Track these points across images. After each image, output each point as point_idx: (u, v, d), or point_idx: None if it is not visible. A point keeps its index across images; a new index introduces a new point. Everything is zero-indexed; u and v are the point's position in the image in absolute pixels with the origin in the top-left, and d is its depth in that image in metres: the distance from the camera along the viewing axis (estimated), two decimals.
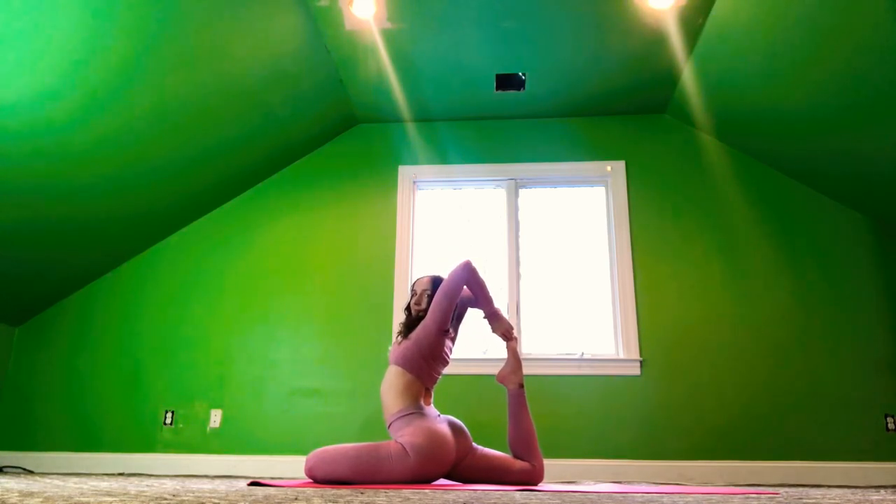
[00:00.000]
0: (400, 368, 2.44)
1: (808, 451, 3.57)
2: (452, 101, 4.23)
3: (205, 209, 4.33)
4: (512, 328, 2.57)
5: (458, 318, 2.62)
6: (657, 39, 3.60)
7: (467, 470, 2.42)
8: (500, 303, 4.08)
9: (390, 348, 2.54)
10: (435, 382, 2.51)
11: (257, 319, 4.07)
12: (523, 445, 2.48)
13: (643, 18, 3.43)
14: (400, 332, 2.56)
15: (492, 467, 2.45)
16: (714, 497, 1.79)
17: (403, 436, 2.31)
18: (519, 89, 4.07)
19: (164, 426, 3.91)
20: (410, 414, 2.36)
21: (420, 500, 1.50)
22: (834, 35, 2.96)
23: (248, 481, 2.44)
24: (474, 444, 2.48)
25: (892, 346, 3.72)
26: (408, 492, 1.87)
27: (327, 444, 3.74)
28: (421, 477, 2.26)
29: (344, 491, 1.90)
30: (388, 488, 2.09)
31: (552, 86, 4.05)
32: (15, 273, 3.79)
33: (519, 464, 2.48)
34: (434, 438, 2.29)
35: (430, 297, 2.55)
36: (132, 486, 2.06)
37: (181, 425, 3.91)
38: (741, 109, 3.86)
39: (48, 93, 2.97)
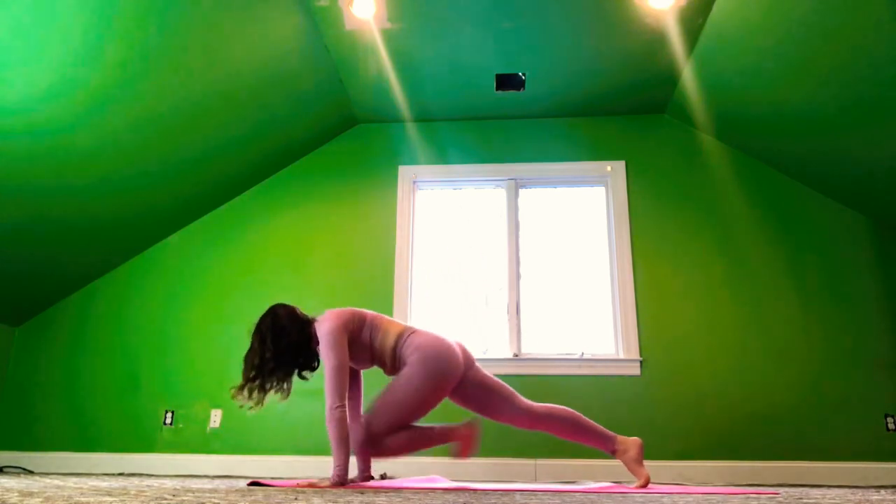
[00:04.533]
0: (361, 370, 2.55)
1: (808, 451, 3.57)
2: (452, 101, 4.23)
3: (205, 209, 4.33)
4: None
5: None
6: (657, 39, 3.60)
7: (475, 384, 2.52)
8: (500, 302, 4.09)
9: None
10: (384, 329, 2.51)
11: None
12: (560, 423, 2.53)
13: (643, 18, 3.43)
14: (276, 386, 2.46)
15: (497, 390, 2.55)
16: (714, 497, 1.79)
17: (409, 357, 2.41)
18: (519, 89, 4.07)
19: (164, 426, 3.91)
20: (405, 337, 2.45)
21: (420, 500, 1.50)
22: (834, 35, 2.96)
23: (248, 481, 2.44)
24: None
25: (892, 346, 3.72)
26: (408, 492, 1.87)
27: (328, 443, 3.74)
28: (443, 379, 2.39)
29: (345, 491, 1.90)
30: (388, 487, 2.09)
31: (552, 86, 4.05)
32: (15, 273, 3.79)
33: (525, 403, 2.53)
34: (436, 342, 2.42)
35: (252, 348, 2.48)
36: (132, 486, 2.06)
37: (181, 425, 3.91)
38: (741, 109, 3.86)
39: (48, 93, 2.97)
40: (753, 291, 3.90)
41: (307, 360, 2.51)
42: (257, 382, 2.40)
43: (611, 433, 2.53)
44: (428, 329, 2.54)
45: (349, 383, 2.48)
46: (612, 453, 2.51)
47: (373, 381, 2.76)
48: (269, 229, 4.29)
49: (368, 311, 2.53)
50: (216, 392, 3.95)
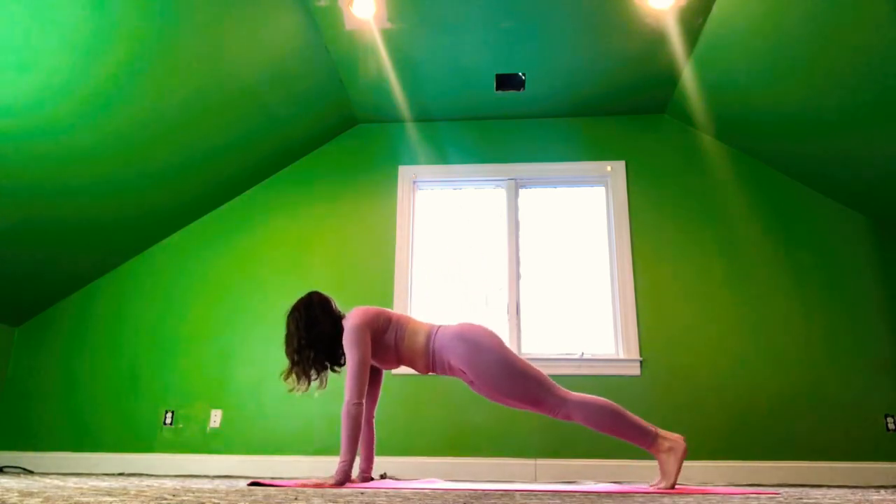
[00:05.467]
0: (381, 364, 2.50)
1: (808, 451, 3.57)
2: (452, 101, 4.23)
3: (205, 209, 4.33)
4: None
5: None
6: (657, 39, 3.60)
7: None
8: (500, 302, 4.09)
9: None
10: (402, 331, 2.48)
11: (257, 319, 4.07)
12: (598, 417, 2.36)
13: (643, 18, 3.43)
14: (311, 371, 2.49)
15: None
16: (714, 497, 1.79)
17: (449, 349, 2.37)
18: (519, 89, 4.07)
19: (164, 426, 3.91)
20: (435, 334, 2.42)
21: (420, 500, 1.50)
22: (834, 36, 2.96)
23: (248, 481, 2.44)
24: None
25: (892, 347, 3.72)
26: (408, 492, 1.87)
27: (328, 444, 3.75)
28: (491, 339, 2.35)
29: (344, 491, 1.90)
30: (388, 488, 2.10)
31: (552, 86, 4.05)
32: (15, 273, 3.79)
33: (563, 391, 2.37)
34: (463, 325, 2.41)
35: (289, 331, 2.51)
36: (132, 486, 2.06)
37: (181, 425, 3.91)
38: (741, 110, 3.86)
39: (49, 94, 2.97)
40: (753, 291, 3.90)
41: (334, 354, 2.51)
42: (301, 367, 2.45)
43: (647, 425, 2.35)
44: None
45: (370, 382, 2.50)
46: (649, 448, 2.34)
47: (387, 384, 2.75)
48: (269, 229, 4.29)
49: (394, 312, 2.53)
50: (216, 392, 3.95)
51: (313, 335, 2.47)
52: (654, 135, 4.30)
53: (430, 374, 2.55)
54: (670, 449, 2.28)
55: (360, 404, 2.30)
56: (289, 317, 2.54)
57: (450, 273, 4.26)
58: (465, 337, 2.37)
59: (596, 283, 4.13)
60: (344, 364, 2.51)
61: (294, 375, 2.45)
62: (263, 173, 4.37)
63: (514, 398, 2.37)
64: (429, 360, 2.44)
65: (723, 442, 3.62)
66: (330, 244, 4.23)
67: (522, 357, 2.44)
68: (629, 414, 2.33)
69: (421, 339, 2.44)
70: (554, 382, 2.36)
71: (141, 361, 4.05)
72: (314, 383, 2.49)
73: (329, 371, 2.54)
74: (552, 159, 4.31)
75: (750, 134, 4.00)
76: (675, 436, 2.32)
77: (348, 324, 2.41)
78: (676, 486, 2.34)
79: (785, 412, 3.65)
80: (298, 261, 4.19)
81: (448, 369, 2.45)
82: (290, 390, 2.46)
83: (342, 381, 2.41)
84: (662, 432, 2.31)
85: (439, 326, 2.47)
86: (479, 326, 2.42)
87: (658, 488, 2.24)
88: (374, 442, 2.59)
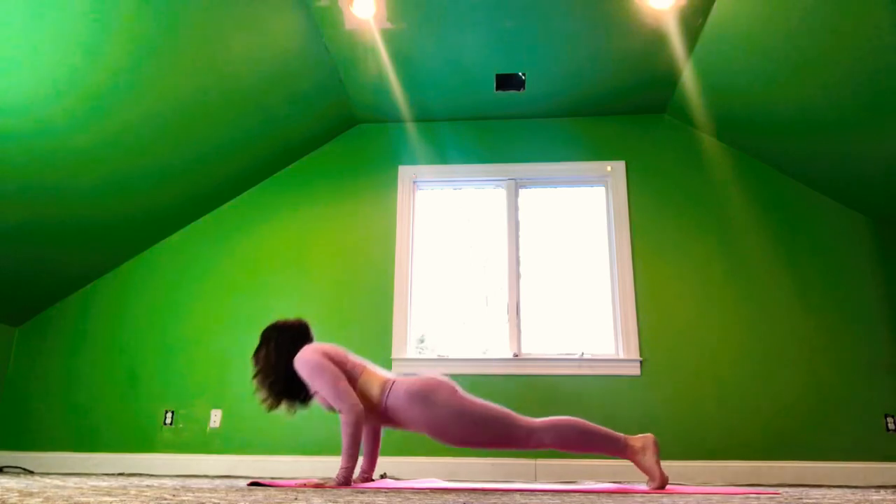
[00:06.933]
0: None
1: (808, 451, 3.57)
2: (452, 101, 4.23)
3: (205, 209, 4.33)
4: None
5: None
6: (657, 39, 3.60)
7: None
8: (500, 302, 4.09)
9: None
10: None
11: (257, 319, 4.06)
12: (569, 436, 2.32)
13: (643, 18, 3.43)
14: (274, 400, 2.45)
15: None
16: (714, 497, 1.79)
17: (404, 407, 2.31)
18: (519, 89, 4.07)
19: (164, 426, 3.91)
20: (389, 387, 2.35)
21: (420, 500, 1.50)
22: (834, 36, 2.96)
23: (248, 481, 2.44)
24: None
25: (892, 347, 3.72)
26: (408, 492, 1.87)
27: (328, 444, 3.75)
28: (444, 393, 2.30)
29: (344, 491, 1.90)
30: (388, 488, 2.10)
31: (552, 86, 4.05)
32: (15, 273, 3.79)
33: (525, 420, 2.35)
34: (416, 380, 2.34)
35: (257, 356, 2.48)
36: (132, 486, 2.06)
37: (181, 425, 3.91)
38: (741, 110, 3.86)
39: (49, 94, 2.97)
40: (753, 291, 3.90)
41: (293, 391, 2.44)
42: (262, 386, 2.44)
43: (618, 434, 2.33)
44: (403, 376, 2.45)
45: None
46: (623, 454, 2.31)
47: None
48: (269, 229, 4.29)
49: (352, 355, 2.46)
50: (216, 392, 3.95)
51: (283, 367, 2.42)
52: (654, 135, 4.30)
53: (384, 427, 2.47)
54: (643, 448, 2.27)
55: (357, 404, 2.26)
56: (277, 334, 2.49)
57: (450, 273, 4.26)
58: (416, 396, 2.30)
59: (596, 283, 4.13)
60: (306, 399, 2.45)
61: (258, 388, 2.45)
62: (263, 173, 4.38)
63: (482, 444, 2.33)
64: (380, 414, 2.37)
65: (723, 442, 3.62)
66: (330, 244, 4.23)
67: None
68: (596, 426, 2.32)
69: (375, 391, 2.36)
70: (517, 415, 2.32)
71: (141, 361, 4.05)
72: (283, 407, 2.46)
73: (297, 403, 2.47)
74: (552, 159, 4.32)
75: (750, 134, 4.01)
76: (644, 435, 2.32)
77: (303, 357, 2.34)
78: (676, 486, 2.33)
79: (785, 412, 3.65)
80: (298, 261, 4.19)
81: (404, 426, 2.39)
82: (262, 402, 2.45)
83: None
84: (631, 437, 2.32)
85: (394, 380, 2.38)
86: (431, 380, 2.35)
87: (655, 488, 2.23)
88: (379, 444, 2.58)
